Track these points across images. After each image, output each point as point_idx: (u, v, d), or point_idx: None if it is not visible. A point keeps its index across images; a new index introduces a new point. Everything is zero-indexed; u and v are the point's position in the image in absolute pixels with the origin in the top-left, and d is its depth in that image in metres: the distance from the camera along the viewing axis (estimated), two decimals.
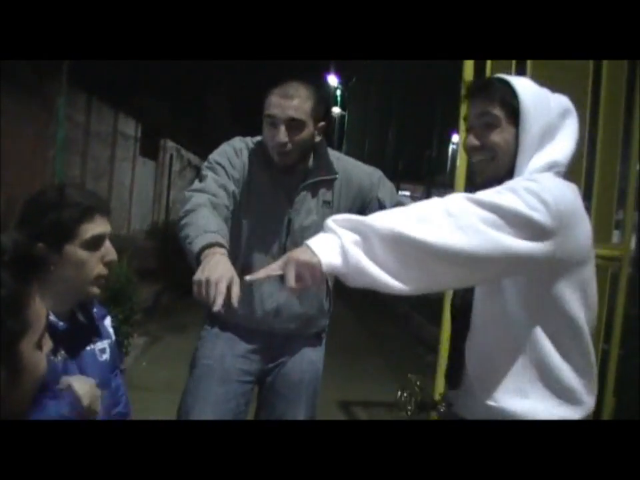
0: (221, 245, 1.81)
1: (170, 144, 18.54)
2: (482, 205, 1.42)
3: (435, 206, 1.43)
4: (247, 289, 2.14)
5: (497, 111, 1.61)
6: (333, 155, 2.36)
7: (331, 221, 1.42)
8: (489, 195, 1.46)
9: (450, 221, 1.39)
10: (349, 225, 1.40)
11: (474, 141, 1.64)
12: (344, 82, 34.63)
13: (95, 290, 1.59)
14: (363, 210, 2.33)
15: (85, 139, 12.52)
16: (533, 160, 1.58)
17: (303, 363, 2.39)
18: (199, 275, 1.64)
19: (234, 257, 2.24)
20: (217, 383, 2.31)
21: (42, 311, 0.93)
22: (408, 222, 1.39)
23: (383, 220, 1.40)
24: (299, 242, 2.26)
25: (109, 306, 2.23)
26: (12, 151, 8.23)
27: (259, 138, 2.30)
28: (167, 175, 18.70)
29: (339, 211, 2.28)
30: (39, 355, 0.93)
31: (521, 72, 2.69)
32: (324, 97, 2.47)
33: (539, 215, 1.43)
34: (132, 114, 15.11)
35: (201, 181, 2.15)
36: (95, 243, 1.54)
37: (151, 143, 17.05)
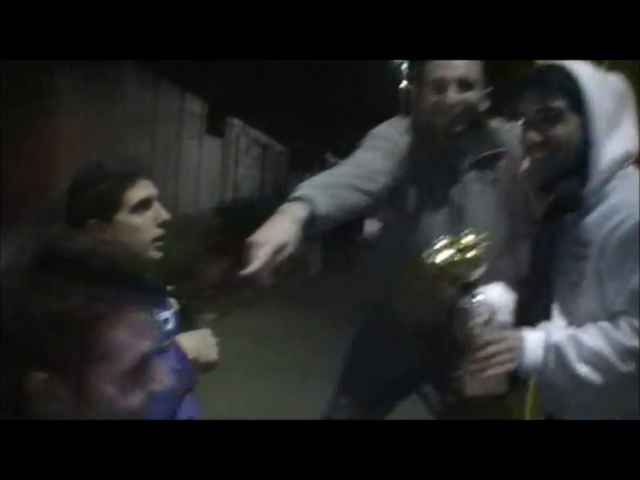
0: (309, 201, 1.60)
1: (236, 122, 18.66)
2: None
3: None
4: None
5: (558, 103, 1.46)
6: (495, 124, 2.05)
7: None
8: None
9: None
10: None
11: (535, 137, 1.50)
12: None
13: (155, 253, 1.61)
14: None
15: (153, 118, 12.72)
16: (605, 151, 1.45)
17: None
18: (254, 235, 1.52)
19: (400, 244, 1.99)
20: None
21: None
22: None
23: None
24: (467, 226, 1.82)
25: (178, 282, 2.24)
26: (75, 131, 8.39)
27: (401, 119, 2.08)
28: (233, 153, 18.87)
29: (507, 189, 1.99)
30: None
31: None
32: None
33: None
34: (198, 93, 15.25)
35: (355, 156, 1.93)
36: (143, 206, 1.58)
37: (218, 121, 17.18)
